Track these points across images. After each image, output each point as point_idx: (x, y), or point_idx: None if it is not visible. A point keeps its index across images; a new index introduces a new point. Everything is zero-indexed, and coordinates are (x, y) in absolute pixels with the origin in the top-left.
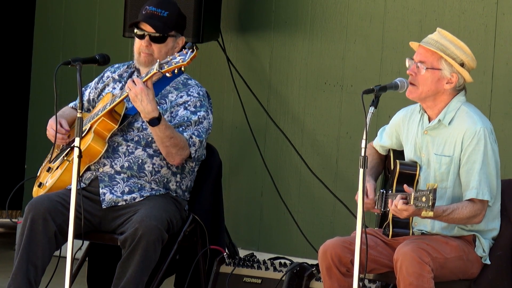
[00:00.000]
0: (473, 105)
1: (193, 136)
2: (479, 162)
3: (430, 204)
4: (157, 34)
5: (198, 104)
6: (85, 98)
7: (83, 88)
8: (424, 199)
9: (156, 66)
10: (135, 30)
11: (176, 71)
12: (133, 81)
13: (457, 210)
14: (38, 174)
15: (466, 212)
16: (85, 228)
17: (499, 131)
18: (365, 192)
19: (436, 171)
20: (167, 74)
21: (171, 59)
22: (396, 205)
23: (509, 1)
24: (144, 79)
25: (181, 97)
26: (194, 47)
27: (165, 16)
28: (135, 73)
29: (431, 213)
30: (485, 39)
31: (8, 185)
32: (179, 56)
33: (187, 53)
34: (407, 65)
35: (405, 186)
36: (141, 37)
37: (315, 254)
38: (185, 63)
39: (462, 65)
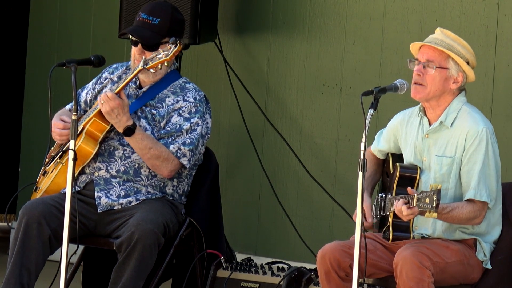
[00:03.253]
0: (473, 105)
1: (182, 147)
2: (479, 163)
3: (434, 205)
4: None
5: (193, 110)
6: (82, 99)
7: (79, 89)
8: (427, 200)
9: (141, 63)
10: (130, 36)
11: (160, 66)
12: (107, 96)
13: (457, 209)
14: (37, 179)
15: (465, 211)
16: (80, 232)
17: (501, 133)
18: (362, 202)
19: (437, 172)
20: (152, 70)
21: (155, 55)
22: (400, 210)
23: (510, 1)
24: (117, 90)
25: (177, 102)
26: (178, 42)
27: (157, 24)
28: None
29: (435, 214)
30: (486, 40)
31: (2, 189)
32: (163, 51)
33: (170, 48)
34: (409, 66)
35: (409, 188)
36: (135, 44)
37: (314, 258)
38: (168, 58)
39: (467, 63)
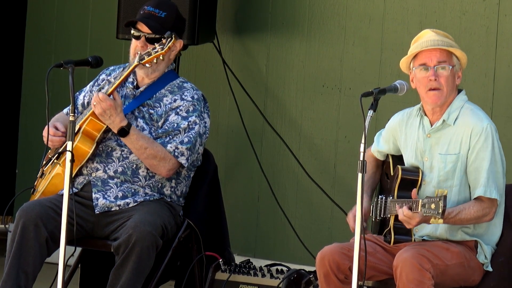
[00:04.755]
0: (475, 104)
1: (179, 146)
2: (487, 159)
3: (440, 211)
4: (153, 35)
5: (190, 108)
6: (80, 102)
7: (77, 92)
8: (433, 206)
9: (136, 58)
10: (132, 31)
11: (155, 60)
12: (99, 97)
13: (464, 211)
14: (35, 183)
15: (473, 211)
16: (78, 234)
17: (501, 135)
18: (362, 203)
19: (441, 170)
20: (147, 65)
21: (151, 50)
22: (404, 214)
23: (511, 2)
24: (109, 91)
25: (175, 101)
26: (173, 36)
27: (163, 17)
28: (131, 76)
29: (440, 221)
30: (486, 40)
31: None
32: (158, 46)
33: (165, 42)
34: (421, 75)
35: (414, 191)
36: (137, 37)
37: (313, 260)
38: (163, 51)
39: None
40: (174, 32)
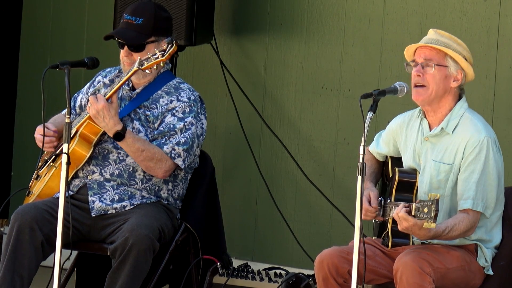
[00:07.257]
0: (476, 112)
1: (176, 147)
2: (477, 172)
3: (433, 215)
4: (134, 44)
5: (187, 109)
6: (77, 103)
7: (75, 94)
8: (426, 210)
9: (136, 63)
10: (116, 39)
11: (155, 67)
12: (96, 98)
13: (456, 226)
14: (30, 184)
15: (463, 226)
16: (74, 237)
17: (502, 137)
18: (363, 200)
19: (433, 178)
20: (147, 71)
21: (151, 56)
22: (398, 214)
23: None
24: (108, 95)
25: (171, 102)
26: (174, 42)
27: (140, 23)
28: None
29: (433, 225)
30: (487, 41)
31: None
32: (159, 52)
33: (166, 48)
34: (407, 70)
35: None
36: (121, 46)
37: (312, 264)
38: (163, 58)
39: (465, 60)
40: (157, 34)
